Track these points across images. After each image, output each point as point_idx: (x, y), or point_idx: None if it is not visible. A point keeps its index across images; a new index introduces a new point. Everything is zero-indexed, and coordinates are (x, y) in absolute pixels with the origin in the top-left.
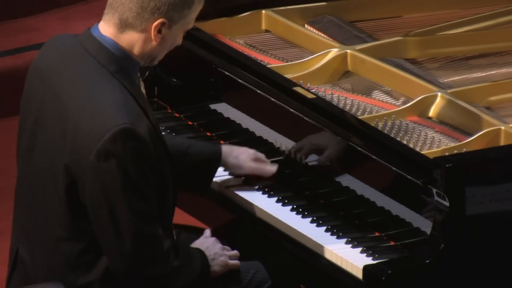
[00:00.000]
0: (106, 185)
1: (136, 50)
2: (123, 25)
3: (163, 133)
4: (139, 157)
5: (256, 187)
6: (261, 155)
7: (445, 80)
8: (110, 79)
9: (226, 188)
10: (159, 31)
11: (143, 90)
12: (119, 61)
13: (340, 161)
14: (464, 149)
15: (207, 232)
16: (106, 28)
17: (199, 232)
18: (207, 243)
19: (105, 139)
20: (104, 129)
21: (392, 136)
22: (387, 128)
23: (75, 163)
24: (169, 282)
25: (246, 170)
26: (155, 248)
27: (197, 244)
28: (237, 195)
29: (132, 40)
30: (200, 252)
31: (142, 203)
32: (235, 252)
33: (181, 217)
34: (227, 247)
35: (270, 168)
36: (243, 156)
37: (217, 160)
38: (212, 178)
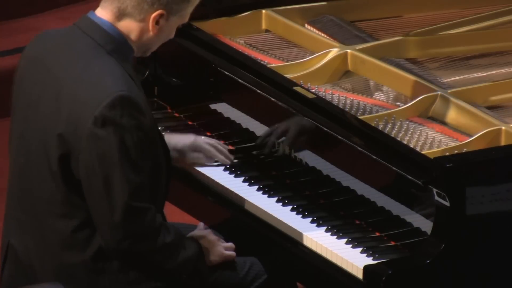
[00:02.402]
0: (102, 152)
1: (133, 37)
2: (122, 14)
3: None
4: (136, 125)
5: (256, 187)
6: (201, 141)
7: (446, 80)
8: (107, 56)
9: (225, 188)
10: (157, 22)
11: None
12: (116, 42)
13: (341, 161)
14: (465, 149)
15: (201, 225)
16: (103, 14)
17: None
18: (202, 233)
19: (103, 106)
20: (102, 96)
21: (392, 136)
22: (388, 128)
23: (70, 132)
24: (160, 258)
25: (186, 161)
26: (146, 221)
27: (192, 235)
28: (237, 195)
29: (129, 28)
30: (194, 240)
31: (136, 174)
32: (230, 244)
33: (180, 216)
34: (222, 240)
35: (206, 162)
36: (180, 146)
37: None
38: None
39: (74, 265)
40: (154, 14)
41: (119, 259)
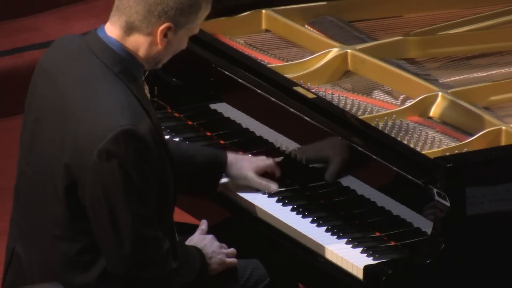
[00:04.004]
0: (107, 185)
1: (142, 53)
2: (129, 28)
3: (166, 136)
4: (140, 159)
5: None
6: (264, 165)
7: (446, 80)
8: (114, 79)
9: (226, 188)
10: (165, 35)
11: (148, 94)
12: (124, 62)
13: (341, 161)
14: (465, 149)
15: (204, 224)
16: (112, 30)
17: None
18: (204, 241)
19: (107, 140)
20: (106, 130)
21: (392, 136)
22: (388, 128)
23: (76, 163)
24: (167, 283)
25: (249, 183)
26: (153, 250)
27: (195, 241)
28: (238, 195)
29: (137, 43)
30: (198, 251)
31: (142, 206)
32: (232, 250)
33: (180, 216)
34: (224, 245)
35: (273, 186)
36: (245, 166)
37: (220, 169)
38: (217, 183)
39: (78, 286)
40: (161, 27)
41: (123, 284)
